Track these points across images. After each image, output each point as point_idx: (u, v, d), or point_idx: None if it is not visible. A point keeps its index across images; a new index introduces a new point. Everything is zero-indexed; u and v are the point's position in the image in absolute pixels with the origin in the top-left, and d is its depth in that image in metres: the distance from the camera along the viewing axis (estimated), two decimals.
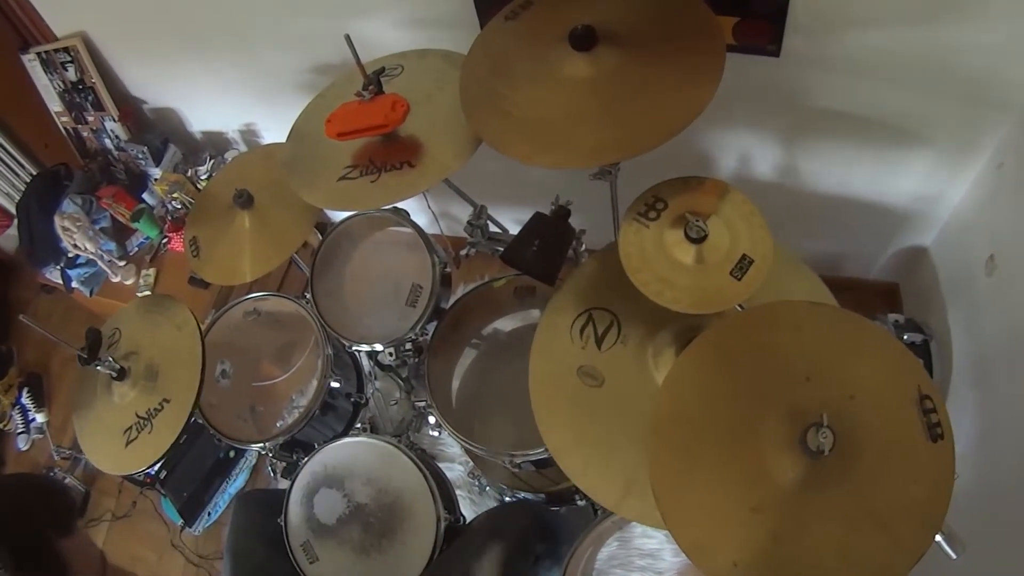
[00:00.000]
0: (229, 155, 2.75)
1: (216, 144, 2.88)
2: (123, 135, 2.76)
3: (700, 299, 1.17)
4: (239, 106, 2.61)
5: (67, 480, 3.03)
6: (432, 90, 1.51)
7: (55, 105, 2.82)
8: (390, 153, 1.46)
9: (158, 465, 2.59)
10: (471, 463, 2.04)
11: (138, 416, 1.51)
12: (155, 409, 1.50)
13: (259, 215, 1.73)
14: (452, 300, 1.86)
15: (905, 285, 2.36)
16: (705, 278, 1.18)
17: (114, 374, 1.55)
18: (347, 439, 1.71)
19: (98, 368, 1.54)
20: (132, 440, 1.50)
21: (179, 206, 2.75)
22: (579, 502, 1.86)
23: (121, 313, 1.71)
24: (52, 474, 3.05)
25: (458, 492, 1.80)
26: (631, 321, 1.34)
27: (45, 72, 2.69)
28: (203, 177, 2.74)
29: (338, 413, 1.98)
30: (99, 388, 1.61)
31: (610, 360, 1.32)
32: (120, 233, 2.86)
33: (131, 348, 1.61)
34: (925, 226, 2.06)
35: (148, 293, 2.73)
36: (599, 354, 1.33)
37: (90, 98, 2.69)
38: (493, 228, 1.65)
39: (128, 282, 2.80)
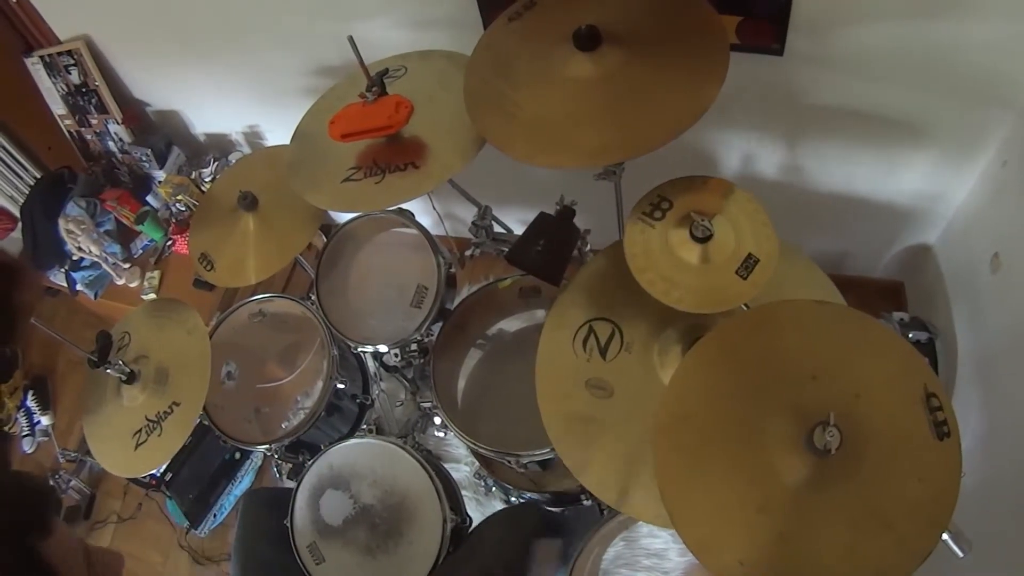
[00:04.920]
0: (233, 157, 2.76)
1: (220, 146, 2.88)
2: (127, 138, 2.77)
3: (706, 299, 1.17)
4: (243, 108, 2.62)
5: (72, 483, 3.04)
6: (436, 91, 1.51)
7: (58, 108, 2.83)
8: (394, 154, 1.46)
9: (164, 467, 2.59)
10: (477, 464, 2.04)
11: (148, 419, 1.52)
12: (165, 412, 1.51)
13: (263, 217, 1.74)
14: (457, 301, 1.86)
15: (910, 283, 2.35)
16: (711, 277, 1.18)
17: (124, 377, 1.56)
18: (353, 440, 1.71)
19: (108, 371, 1.54)
20: (142, 443, 1.51)
21: (183, 208, 2.76)
22: (585, 502, 1.86)
23: (131, 317, 1.72)
24: (57, 476, 3.06)
25: (464, 493, 1.80)
26: (632, 328, 1.34)
27: (48, 75, 2.70)
28: (207, 179, 2.74)
29: (343, 414, 1.99)
30: (108, 391, 1.62)
31: (617, 369, 1.32)
32: (124, 236, 2.87)
33: (141, 352, 1.62)
34: (929, 224, 2.06)
35: (153, 296, 2.74)
36: (605, 365, 1.32)
37: (93, 101, 2.70)
38: (498, 229, 1.65)
39: (132, 284, 2.81)
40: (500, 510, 1.78)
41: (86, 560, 1.25)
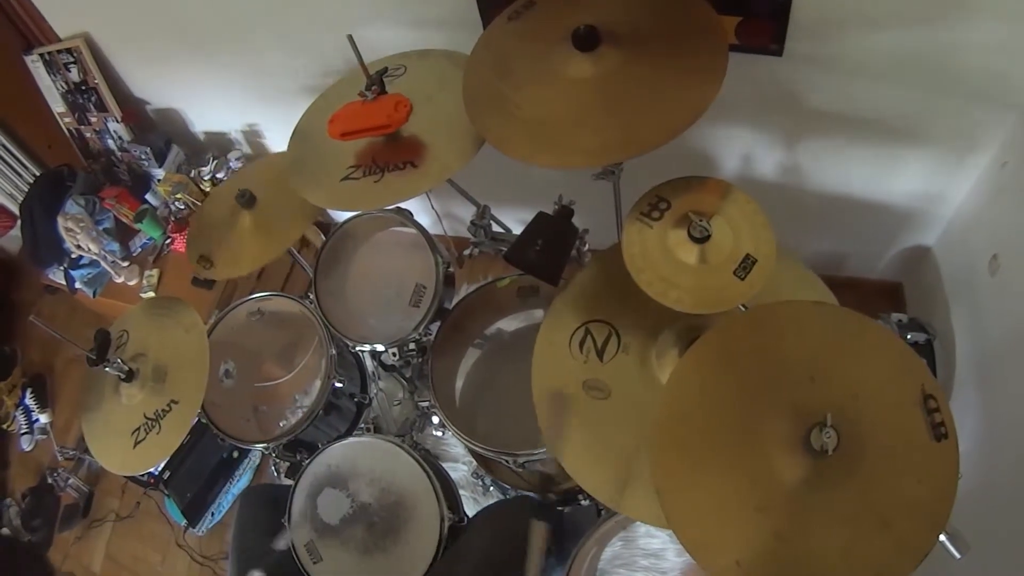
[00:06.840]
0: (232, 156, 2.76)
1: (219, 145, 2.88)
2: (126, 136, 2.77)
3: (703, 299, 1.17)
4: (242, 107, 2.62)
5: (70, 480, 3.04)
6: (435, 90, 1.51)
7: (58, 106, 2.83)
8: (393, 153, 1.46)
9: (162, 465, 2.59)
10: (474, 463, 2.04)
11: (146, 417, 1.52)
12: (163, 410, 1.51)
13: (261, 212, 1.74)
14: (455, 300, 1.86)
15: (908, 284, 2.35)
16: (708, 278, 1.18)
17: (122, 375, 1.56)
18: (351, 439, 1.71)
19: (106, 369, 1.54)
20: (140, 441, 1.51)
21: (182, 207, 2.76)
22: (583, 501, 1.86)
23: (129, 315, 1.72)
24: (55, 474, 3.06)
25: (462, 492, 1.80)
26: (629, 329, 1.34)
27: (48, 73, 2.70)
28: (206, 178, 2.74)
29: (342, 413, 1.99)
30: (107, 390, 1.62)
31: (614, 370, 1.32)
32: (123, 234, 2.87)
33: (139, 350, 1.62)
34: (928, 225, 2.06)
35: (151, 294, 2.74)
36: (602, 366, 1.32)
37: (93, 99, 2.69)
38: (496, 228, 1.65)
39: (131, 283, 2.81)
40: (490, 504, 1.77)
41: None
